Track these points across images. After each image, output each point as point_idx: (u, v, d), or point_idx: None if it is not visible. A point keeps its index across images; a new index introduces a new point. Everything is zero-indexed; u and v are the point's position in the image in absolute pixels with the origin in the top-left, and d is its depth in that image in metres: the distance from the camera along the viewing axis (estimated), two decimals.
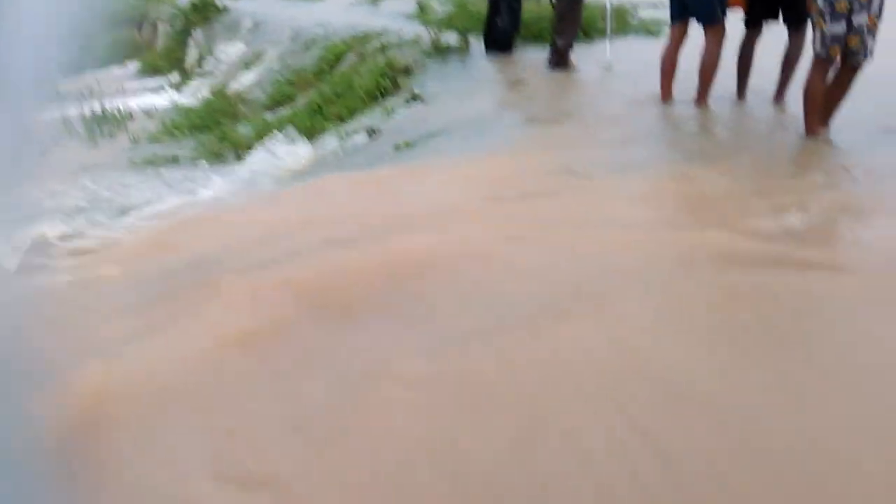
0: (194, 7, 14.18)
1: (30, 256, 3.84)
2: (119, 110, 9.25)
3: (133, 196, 5.86)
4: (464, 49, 7.69)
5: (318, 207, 3.88)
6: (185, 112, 9.30)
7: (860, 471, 1.58)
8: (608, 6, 6.97)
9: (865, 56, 3.83)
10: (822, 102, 4.05)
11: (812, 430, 1.71)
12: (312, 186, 4.76)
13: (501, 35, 7.50)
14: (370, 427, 1.85)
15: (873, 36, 3.80)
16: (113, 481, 1.76)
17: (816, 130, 4.08)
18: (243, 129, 7.82)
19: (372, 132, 6.28)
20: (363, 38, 8.91)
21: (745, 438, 1.68)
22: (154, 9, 16.11)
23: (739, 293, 2.36)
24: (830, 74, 3.97)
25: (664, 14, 5.47)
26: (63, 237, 4.52)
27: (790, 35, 4.72)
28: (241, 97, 9.70)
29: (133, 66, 14.30)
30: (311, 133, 7.04)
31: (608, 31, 6.88)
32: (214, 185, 5.99)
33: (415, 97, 6.79)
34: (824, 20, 3.82)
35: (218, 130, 8.02)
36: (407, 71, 7.55)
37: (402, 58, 7.74)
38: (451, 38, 7.83)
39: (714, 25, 4.77)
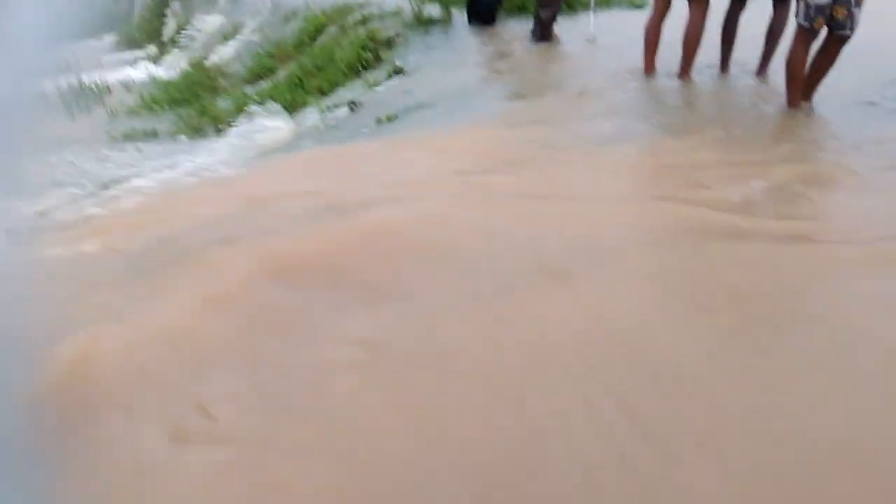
0: None
1: (10, 231, 3.78)
2: (96, 84, 9.09)
3: (112, 171, 5.78)
4: (447, 21, 7.60)
5: (297, 181, 3.85)
6: (164, 85, 9.16)
7: (850, 444, 1.60)
8: None
9: (852, 28, 3.81)
10: (807, 75, 4.05)
11: (801, 407, 1.72)
12: (292, 160, 4.72)
13: (485, 7, 7.42)
14: (348, 403, 1.86)
15: (860, 7, 3.78)
16: (92, 442, 1.81)
17: (798, 103, 4.08)
18: (223, 103, 7.72)
19: (353, 105, 6.22)
20: (344, 10, 8.78)
21: (733, 417, 1.70)
22: None
23: (718, 267, 2.37)
24: (815, 47, 3.97)
25: None
26: (42, 212, 4.46)
27: (774, 7, 4.70)
28: (220, 70, 9.56)
29: (109, 38, 14.03)
30: (291, 106, 6.96)
31: (592, 3, 6.83)
32: (194, 159, 5.92)
33: (397, 70, 6.72)
34: None
35: (197, 104, 7.91)
36: (389, 43, 7.46)
37: (384, 30, 7.64)
38: (433, 9, 7.74)
39: None
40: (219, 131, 6.82)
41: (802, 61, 4.01)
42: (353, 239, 2.64)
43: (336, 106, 6.40)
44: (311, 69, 7.69)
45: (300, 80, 7.55)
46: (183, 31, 12.58)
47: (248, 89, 8.14)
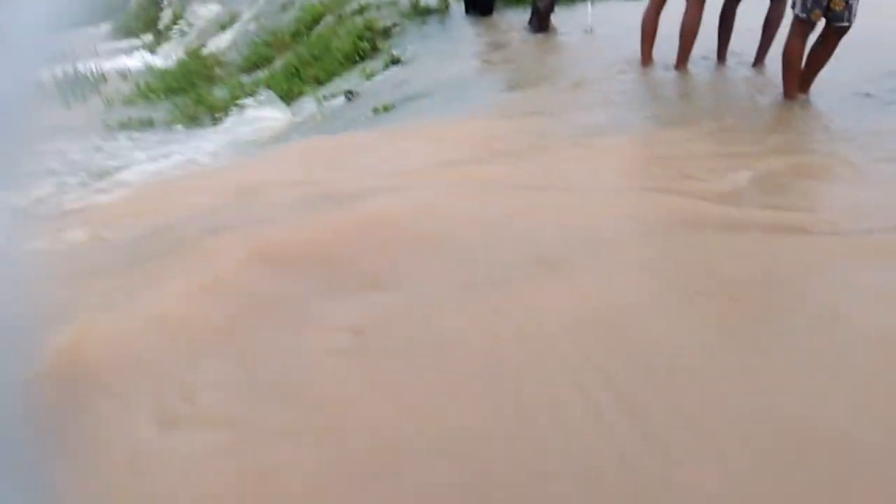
0: None
1: (5, 220, 3.77)
2: (92, 72, 9.05)
3: (107, 160, 5.77)
4: (444, 11, 7.57)
5: (293, 170, 3.84)
6: (160, 74, 9.12)
7: (845, 434, 1.61)
8: None
9: (850, 20, 3.80)
10: (804, 66, 4.05)
11: (796, 398, 1.72)
12: (289, 150, 4.71)
13: None
14: (342, 390, 1.86)
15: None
16: (85, 429, 1.82)
17: (795, 94, 4.08)
18: (219, 92, 7.70)
19: (350, 95, 6.21)
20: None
21: (729, 409, 1.70)
22: None
23: (713, 258, 2.38)
24: (812, 38, 3.96)
25: None
26: (38, 201, 4.45)
27: None
28: (216, 59, 9.52)
29: (105, 26, 13.96)
30: (288, 96, 6.95)
31: None
32: (190, 148, 5.90)
33: (394, 60, 6.70)
34: None
35: (193, 93, 7.88)
36: (386, 33, 7.44)
37: (381, 20, 7.62)
38: None
39: None
40: (215, 121, 6.81)
41: (799, 53, 4.00)
42: (349, 228, 2.64)
43: (333, 96, 6.38)
44: (307, 59, 7.67)
45: (297, 69, 7.52)
46: (179, 20, 12.53)
47: (245, 78, 8.12)
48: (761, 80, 4.63)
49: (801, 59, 4.02)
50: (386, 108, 5.42)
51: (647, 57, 5.09)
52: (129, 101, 8.13)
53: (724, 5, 4.92)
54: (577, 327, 2.00)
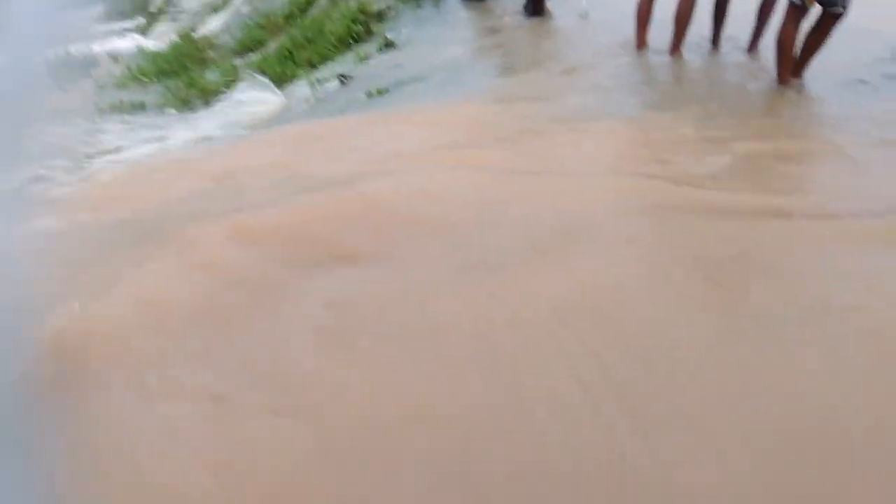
0: None
1: None
2: (83, 55, 8.98)
3: (98, 143, 5.74)
4: None
5: (286, 154, 3.83)
6: (152, 57, 9.06)
7: (838, 418, 1.63)
8: None
9: (845, 6, 3.80)
10: (799, 52, 4.04)
11: (791, 382, 1.74)
12: (281, 133, 4.69)
13: None
14: (332, 372, 1.87)
15: None
16: (76, 409, 1.86)
17: (788, 80, 4.08)
18: (212, 75, 7.65)
19: (344, 79, 6.18)
20: None
21: (723, 396, 1.72)
22: None
23: (706, 243, 2.38)
24: (808, 24, 3.95)
25: None
26: (30, 183, 4.43)
27: None
28: (209, 42, 9.46)
29: (97, 8, 13.81)
30: (281, 79, 6.91)
31: None
32: (182, 132, 5.87)
33: (388, 44, 6.67)
34: None
35: (186, 76, 7.84)
36: (380, 16, 7.39)
37: (375, 3, 7.57)
38: None
39: None
40: (207, 104, 6.77)
41: (793, 39, 4.00)
42: (342, 211, 2.64)
43: (326, 79, 6.35)
44: (301, 42, 7.62)
45: (290, 52, 7.48)
46: (172, 2, 12.41)
47: (238, 61, 8.07)
48: (755, 65, 4.63)
49: (795, 44, 4.01)
50: (380, 92, 5.40)
51: (641, 42, 5.08)
52: (120, 85, 8.08)
53: None
54: (572, 312, 2.01)
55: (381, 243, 2.44)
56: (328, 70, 6.63)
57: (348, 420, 1.72)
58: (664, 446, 1.58)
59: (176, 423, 1.75)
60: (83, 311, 2.21)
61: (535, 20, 6.57)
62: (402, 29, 6.87)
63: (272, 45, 8.10)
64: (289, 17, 8.69)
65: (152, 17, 12.49)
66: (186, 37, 9.96)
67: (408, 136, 3.74)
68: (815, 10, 3.91)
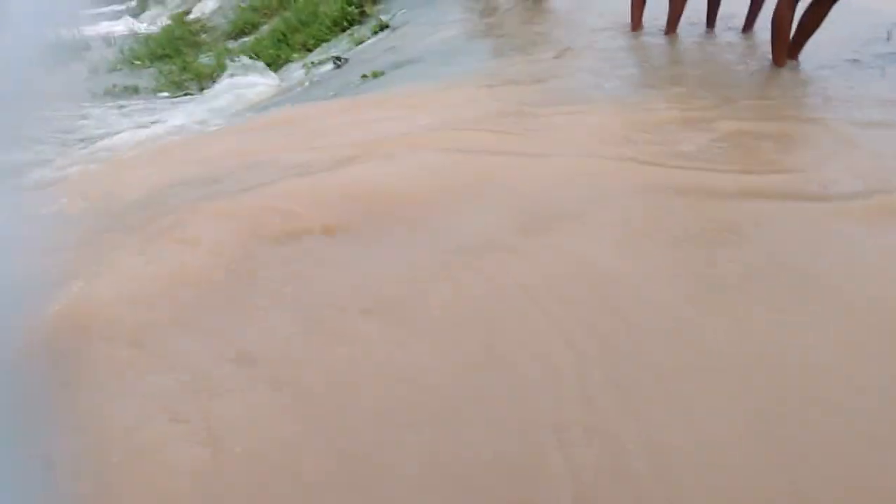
0: None
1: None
2: (75, 38, 8.91)
3: (93, 127, 5.72)
4: None
5: (279, 138, 3.82)
6: (145, 40, 9.00)
7: (817, 379, 1.67)
8: None
9: None
10: (794, 33, 4.03)
11: (770, 347, 1.77)
12: (275, 117, 4.68)
13: None
14: (329, 359, 1.89)
15: None
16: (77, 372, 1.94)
17: (783, 60, 4.07)
18: (205, 59, 7.61)
19: (339, 61, 6.15)
20: None
21: (708, 357, 1.75)
22: None
23: (688, 221, 2.39)
24: (804, 5, 3.94)
25: None
26: (22, 167, 4.42)
27: None
28: (202, 25, 9.40)
29: None
30: (275, 62, 6.88)
31: None
32: (176, 116, 5.85)
33: (382, 26, 6.64)
34: None
35: (179, 60, 7.80)
36: None
37: None
38: None
39: None
40: (202, 87, 6.74)
41: (789, 20, 3.98)
42: (333, 195, 2.65)
43: (321, 62, 6.32)
44: (295, 24, 7.58)
45: (284, 35, 7.45)
46: None
47: (231, 44, 8.03)
48: (750, 46, 4.61)
49: (791, 26, 3.99)
50: (375, 75, 5.38)
51: (637, 22, 5.07)
52: (113, 68, 8.04)
53: None
54: (561, 293, 2.03)
55: (368, 223, 2.45)
56: (323, 53, 6.60)
57: (327, 388, 1.76)
58: (644, 409, 1.62)
59: (155, 388, 1.83)
60: (80, 291, 2.23)
61: (531, 1, 6.54)
62: (396, 11, 6.83)
63: (266, 28, 8.06)
64: (282, 0, 8.64)
65: (145, 0, 12.40)
66: (179, 20, 9.90)
67: (397, 120, 3.74)
68: None
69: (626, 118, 3.36)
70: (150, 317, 2.10)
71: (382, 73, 5.35)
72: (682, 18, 4.87)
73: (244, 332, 1.99)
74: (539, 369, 1.76)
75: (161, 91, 6.84)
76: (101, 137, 5.28)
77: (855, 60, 3.98)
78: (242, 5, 9.14)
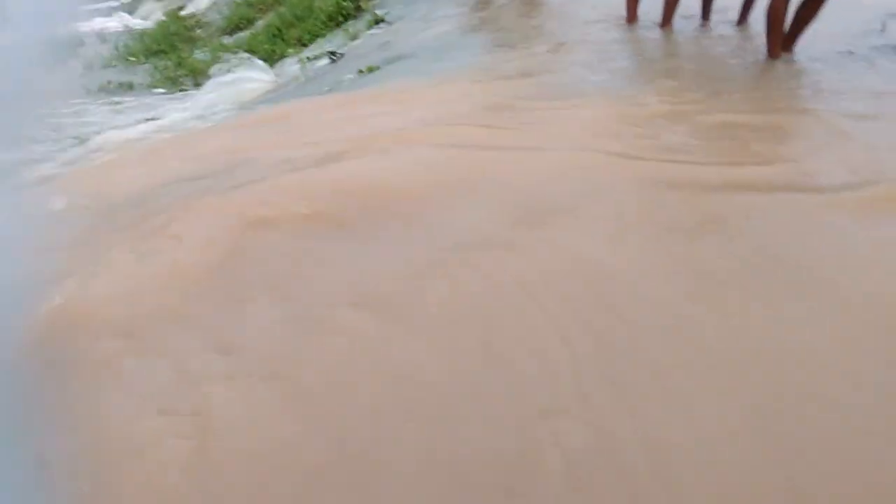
0: None
1: None
2: (69, 34, 8.87)
3: (89, 124, 5.70)
4: None
5: (273, 134, 3.82)
6: (140, 36, 8.96)
7: (814, 373, 1.67)
8: None
9: None
10: (789, 25, 4.02)
11: (766, 342, 1.77)
12: (270, 112, 4.67)
13: None
14: (324, 355, 1.89)
15: None
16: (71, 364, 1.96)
17: (778, 53, 4.07)
18: (201, 55, 7.58)
19: (334, 56, 6.14)
20: None
21: (699, 350, 1.76)
22: None
23: (682, 213, 2.39)
24: None
25: None
26: (19, 165, 4.41)
27: None
28: (197, 20, 9.36)
29: None
30: (271, 57, 6.86)
31: None
32: (172, 112, 5.84)
33: (377, 21, 6.62)
34: None
35: (174, 55, 7.77)
36: None
37: None
38: None
39: None
40: (197, 84, 6.72)
41: (783, 12, 3.97)
42: (326, 190, 2.64)
43: (316, 57, 6.31)
44: (290, 19, 7.56)
45: (279, 30, 7.43)
46: None
47: (227, 40, 8.00)
48: (745, 38, 4.61)
49: (785, 18, 3.99)
50: (370, 70, 5.37)
51: (632, 15, 5.06)
52: (108, 64, 8.01)
53: None
54: (556, 289, 2.03)
55: (362, 219, 2.45)
56: (318, 48, 6.58)
57: (324, 385, 1.77)
58: (640, 404, 1.62)
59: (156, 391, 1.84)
60: (74, 289, 2.23)
61: None
62: (391, 6, 6.81)
63: (261, 23, 8.03)
64: None
65: None
66: (174, 15, 9.86)
67: (392, 115, 3.73)
68: None
69: (620, 112, 3.35)
70: (144, 314, 2.10)
71: (377, 68, 5.33)
72: (677, 11, 4.87)
73: (239, 329, 2.00)
74: (535, 365, 1.76)
75: (156, 87, 6.82)
76: (96, 135, 5.27)
77: (849, 52, 3.98)
78: (237, 0, 9.11)
